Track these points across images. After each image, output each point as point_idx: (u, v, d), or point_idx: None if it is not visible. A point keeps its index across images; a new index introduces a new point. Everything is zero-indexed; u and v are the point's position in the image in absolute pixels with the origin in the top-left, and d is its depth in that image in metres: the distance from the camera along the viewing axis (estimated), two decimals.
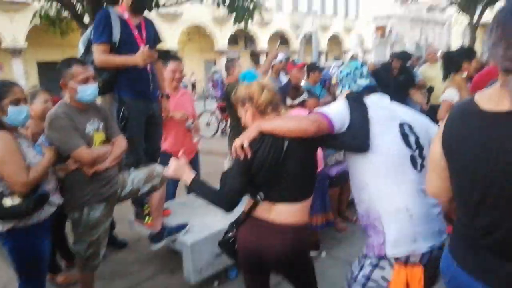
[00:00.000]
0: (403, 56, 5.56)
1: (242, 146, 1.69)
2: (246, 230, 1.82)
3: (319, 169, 3.34)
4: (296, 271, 1.88)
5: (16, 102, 2.11)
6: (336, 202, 3.84)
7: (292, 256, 1.77)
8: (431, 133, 1.75)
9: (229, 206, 1.75)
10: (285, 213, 1.75)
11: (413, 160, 1.69)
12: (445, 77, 3.65)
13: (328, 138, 1.72)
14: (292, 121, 1.72)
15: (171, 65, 3.54)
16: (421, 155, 1.71)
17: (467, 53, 3.48)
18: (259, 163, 1.70)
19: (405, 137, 1.70)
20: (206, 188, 1.83)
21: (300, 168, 1.76)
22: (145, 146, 3.11)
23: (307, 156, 1.80)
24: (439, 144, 1.27)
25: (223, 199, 1.76)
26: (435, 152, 1.30)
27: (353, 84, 1.89)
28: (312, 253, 3.31)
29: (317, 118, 1.67)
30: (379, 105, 1.79)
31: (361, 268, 1.74)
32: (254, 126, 1.76)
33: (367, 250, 1.75)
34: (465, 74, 3.38)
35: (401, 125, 1.73)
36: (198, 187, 1.83)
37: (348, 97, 1.82)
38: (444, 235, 1.70)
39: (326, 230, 3.61)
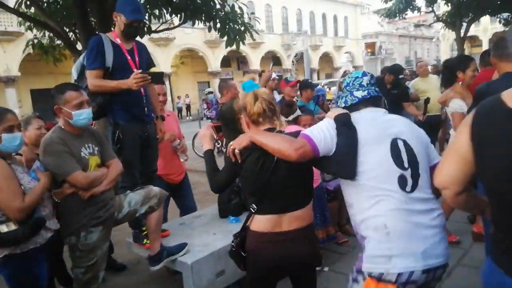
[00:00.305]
0: (395, 70, 5.63)
1: (234, 150, 1.84)
2: (254, 244, 1.88)
3: (316, 184, 3.35)
4: (309, 274, 2.02)
5: (10, 129, 2.11)
6: (336, 216, 3.82)
7: (309, 257, 1.93)
8: (431, 150, 1.73)
9: (215, 188, 2.02)
10: (281, 221, 1.83)
11: (401, 180, 1.61)
12: (445, 87, 3.68)
13: (314, 161, 1.74)
14: (278, 143, 1.72)
15: (155, 88, 3.58)
16: (414, 175, 1.62)
17: (461, 62, 3.51)
18: (248, 170, 1.83)
19: (396, 155, 1.63)
20: (212, 163, 2.06)
21: (290, 180, 1.81)
22: (142, 168, 3.10)
23: (299, 168, 1.80)
24: (466, 135, 1.22)
25: (213, 181, 2.00)
26: (461, 143, 1.24)
27: (349, 96, 1.81)
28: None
29: (302, 144, 1.67)
30: (372, 121, 1.72)
31: (348, 282, 1.76)
32: (247, 135, 1.87)
33: (356, 265, 1.74)
34: (460, 83, 3.41)
35: (394, 142, 1.65)
36: (208, 158, 2.07)
37: (336, 119, 1.72)
38: (441, 258, 1.59)
39: (328, 245, 3.58)
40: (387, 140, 1.65)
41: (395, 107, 5.31)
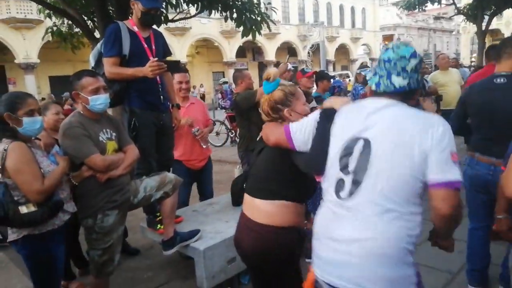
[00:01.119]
0: None
1: None
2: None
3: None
4: (263, 274, 1.89)
5: (31, 113, 2.17)
6: None
7: (259, 254, 1.79)
8: (429, 161, 1.33)
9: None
10: (248, 206, 1.86)
11: (338, 184, 1.46)
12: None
13: (292, 154, 1.72)
14: (267, 129, 1.83)
15: (176, 77, 3.62)
16: (357, 181, 1.40)
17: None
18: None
19: (344, 156, 1.45)
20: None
21: (265, 165, 1.84)
22: (158, 157, 3.15)
23: (278, 160, 1.78)
24: None
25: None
26: None
27: (386, 80, 1.46)
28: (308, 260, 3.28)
29: (280, 133, 1.71)
30: (357, 112, 1.50)
31: None
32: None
33: None
34: None
35: (353, 141, 1.44)
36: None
37: (321, 112, 1.61)
38: (344, 282, 1.38)
39: None
40: (346, 137, 1.46)
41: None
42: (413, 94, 1.49)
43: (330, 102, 1.65)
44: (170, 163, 3.36)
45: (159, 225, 3.08)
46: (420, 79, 1.51)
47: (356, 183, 1.40)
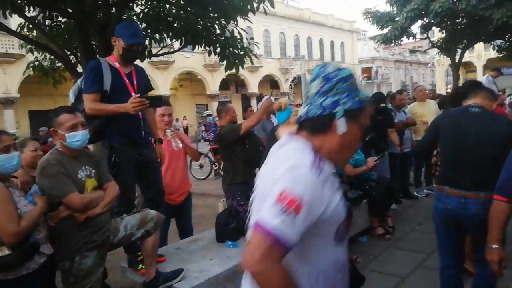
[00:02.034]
0: (376, 100, 5.67)
1: None
2: None
3: None
4: None
5: (6, 149, 2.12)
6: None
7: None
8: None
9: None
10: None
11: None
12: None
13: None
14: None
15: (159, 110, 3.62)
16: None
17: (471, 87, 3.60)
18: None
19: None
20: None
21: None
22: (147, 191, 3.11)
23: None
24: None
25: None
26: None
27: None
28: None
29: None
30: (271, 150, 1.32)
31: None
32: None
33: None
34: None
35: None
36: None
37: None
38: None
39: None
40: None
41: (380, 133, 5.37)
42: (321, 125, 1.19)
43: (279, 131, 1.56)
44: (161, 197, 3.23)
45: (140, 265, 2.95)
46: (335, 101, 1.17)
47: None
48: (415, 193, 6.17)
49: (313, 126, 1.20)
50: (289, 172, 1.08)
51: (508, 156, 1.95)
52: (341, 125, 1.16)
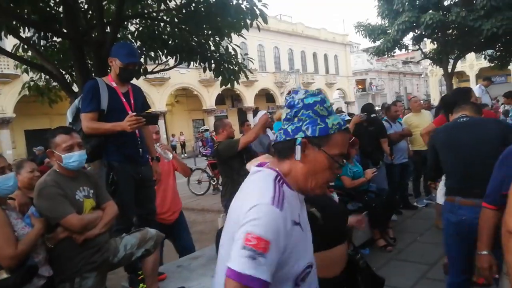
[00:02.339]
0: (365, 110, 5.69)
1: None
2: None
3: None
4: None
5: (1, 171, 2.11)
6: None
7: None
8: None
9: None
10: None
11: None
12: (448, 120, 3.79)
13: None
14: None
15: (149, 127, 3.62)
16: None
17: (461, 94, 3.66)
18: None
19: None
20: None
21: None
22: (139, 210, 3.07)
23: None
24: None
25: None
26: None
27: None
28: None
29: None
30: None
31: None
32: None
33: None
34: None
35: None
36: None
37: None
38: None
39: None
40: None
41: (374, 144, 5.40)
42: (286, 150, 1.20)
43: (250, 162, 1.52)
44: (153, 216, 3.25)
45: (141, 284, 2.91)
46: (297, 128, 1.18)
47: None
48: (415, 203, 6.16)
49: (280, 151, 1.22)
50: (251, 213, 1.08)
51: (495, 164, 1.95)
52: (297, 152, 1.16)
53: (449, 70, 17.35)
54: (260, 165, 1.29)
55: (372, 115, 5.64)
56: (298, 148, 1.16)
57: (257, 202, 1.10)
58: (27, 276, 2.03)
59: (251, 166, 1.34)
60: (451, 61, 17.47)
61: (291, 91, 1.31)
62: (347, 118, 6.44)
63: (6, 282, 1.95)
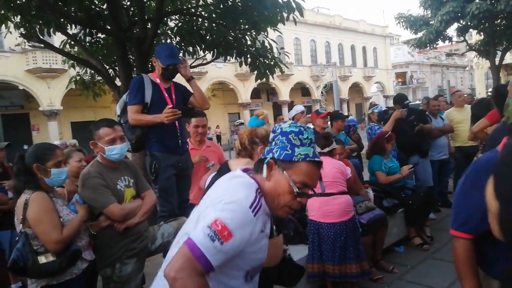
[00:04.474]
0: (399, 99, 5.49)
1: None
2: None
3: (349, 216, 3.28)
4: None
5: (59, 164, 2.26)
6: (370, 251, 3.70)
7: None
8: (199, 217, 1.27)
9: None
10: None
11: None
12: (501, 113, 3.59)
13: None
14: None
15: (193, 121, 3.75)
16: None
17: None
18: None
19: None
20: None
21: None
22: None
23: None
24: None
25: None
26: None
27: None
28: None
29: (203, 180, 1.81)
30: (222, 178, 1.45)
31: None
32: None
33: None
34: None
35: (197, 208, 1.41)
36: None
37: (219, 168, 1.67)
38: None
39: (362, 281, 3.45)
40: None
41: (419, 134, 5.18)
42: (259, 166, 1.36)
43: (232, 162, 1.70)
44: (186, 204, 3.41)
45: None
46: (269, 149, 1.36)
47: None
48: None
49: (256, 166, 1.39)
50: (228, 205, 1.20)
51: (462, 184, 1.61)
52: (264, 170, 1.32)
53: (497, 63, 16.45)
54: (245, 170, 1.42)
55: (406, 102, 5.37)
56: (264, 167, 1.32)
57: (238, 199, 1.22)
58: (72, 259, 2.17)
59: (235, 166, 1.52)
60: (499, 53, 16.55)
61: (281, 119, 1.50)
62: (384, 109, 6.28)
63: (53, 264, 2.10)
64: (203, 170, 3.72)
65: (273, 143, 1.37)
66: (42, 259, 2.10)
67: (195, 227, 1.20)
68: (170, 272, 1.12)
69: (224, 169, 1.63)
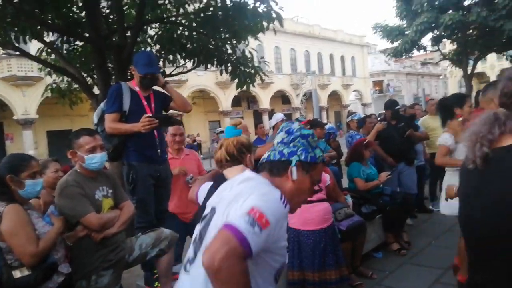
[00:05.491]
0: (390, 105, 5.57)
1: None
2: None
3: (328, 223, 3.32)
4: None
5: (33, 175, 2.21)
6: (349, 257, 3.75)
7: None
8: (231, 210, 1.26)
9: None
10: None
11: (189, 252, 1.41)
12: (443, 124, 3.76)
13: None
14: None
15: (171, 129, 3.73)
16: (195, 252, 1.36)
17: (457, 99, 3.64)
18: None
19: (197, 229, 1.44)
20: None
21: None
22: (155, 208, 3.18)
23: None
24: None
25: None
26: None
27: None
28: None
29: (193, 191, 1.84)
30: (230, 182, 1.45)
31: None
32: None
33: None
34: (460, 119, 3.51)
35: (206, 215, 1.43)
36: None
37: (215, 179, 1.68)
38: None
39: (342, 286, 3.48)
40: (207, 209, 1.45)
41: (407, 142, 5.30)
42: (278, 168, 1.37)
43: (227, 171, 1.70)
44: (164, 215, 3.37)
45: (156, 283, 3.00)
46: (292, 152, 1.37)
47: (195, 252, 1.37)
48: (431, 207, 6.08)
49: (272, 168, 1.39)
50: (261, 196, 1.23)
51: None
52: (293, 172, 1.35)
53: (469, 71, 17.05)
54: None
55: (397, 107, 5.45)
56: (294, 169, 1.35)
57: (268, 192, 1.26)
58: (48, 273, 2.12)
59: (231, 175, 1.53)
60: (471, 62, 17.17)
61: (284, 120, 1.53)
62: (362, 116, 6.39)
63: (28, 279, 2.04)
64: (183, 180, 3.70)
65: (291, 144, 1.40)
66: (17, 274, 2.04)
67: (227, 218, 1.21)
68: (213, 262, 1.07)
69: (219, 179, 1.61)
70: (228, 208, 1.27)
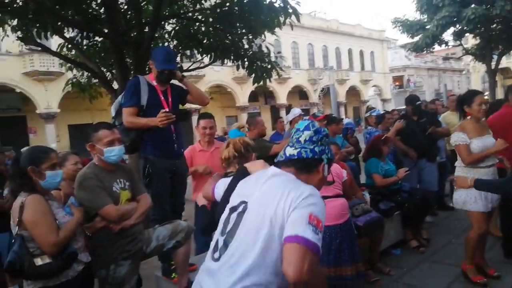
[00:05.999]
0: (411, 100, 5.45)
1: None
2: None
3: (344, 219, 3.29)
4: None
5: (53, 167, 2.26)
6: (367, 253, 3.71)
7: None
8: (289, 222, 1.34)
9: None
10: None
11: (215, 245, 1.49)
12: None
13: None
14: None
15: (201, 122, 3.76)
16: (226, 243, 1.43)
17: (466, 97, 3.52)
18: None
19: (226, 219, 1.51)
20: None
21: None
22: (170, 202, 3.19)
23: None
24: None
25: None
26: None
27: (283, 151, 1.59)
28: None
29: (208, 188, 1.96)
30: (255, 178, 1.58)
31: None
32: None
33: None
34: (468, 117, 3.42)
35: (235, 206, 1.51)
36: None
37: (236, 174, 1.75)
38: None
39: (357, 283, 3.45)
40: (234, 201, 1.54)
41: (429, 138, 5.17)
42: (310, 165, 1.52)
43: (248, 165, 1.76)
44: (182, 208, 3.39)
45: (174, 274, 3.04)
46: (322, 150, 1.54)
47: (225, 245, 1.44)
48: (451, 204, 5.94)
49: (303, 165, 1.52)
50: (309, 199, 1.36)
51: None
52: (325, 169, 1.53)
53: (493, 67, 16.58)
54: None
55: (418, 103, 5.32)
56: (326, 166, 1.53)
57: (312, 192, 1.39)
58: (68, 261, 2.17)
59: (253, 169, 1.67)
60: (495, 57, 16.68)
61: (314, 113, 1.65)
62: (381, 112, 6.30)
63: (49, 267, 2.11)
64: (208, 176, 3.72)
65: (320, 142, 1.55)
66: (38, 261, 2.10)
67: (290, 227, 1.31)
68: (301, 276, 1.23)
69: (242, 173, 1.69)
70: (270, 206, 1.37)
